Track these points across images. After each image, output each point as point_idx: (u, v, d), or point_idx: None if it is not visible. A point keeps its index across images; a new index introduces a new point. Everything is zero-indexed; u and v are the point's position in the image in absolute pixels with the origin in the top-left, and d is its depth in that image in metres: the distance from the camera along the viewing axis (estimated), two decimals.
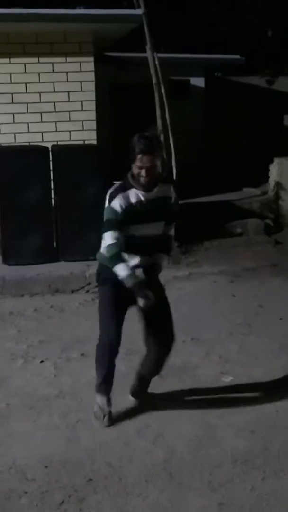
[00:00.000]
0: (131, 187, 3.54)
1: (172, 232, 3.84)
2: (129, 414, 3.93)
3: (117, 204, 3.52)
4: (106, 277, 3.72)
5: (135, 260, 3.67)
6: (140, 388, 4.07)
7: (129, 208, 3.53)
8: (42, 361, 4.94)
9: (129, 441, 3.67)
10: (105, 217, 3.57)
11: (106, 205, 3.58)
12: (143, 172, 3.46)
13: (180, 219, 3.80)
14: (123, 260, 3.59)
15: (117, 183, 3.61)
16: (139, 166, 3.45)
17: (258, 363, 4.75)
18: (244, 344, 5.11)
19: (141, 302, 3.59)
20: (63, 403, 4.22)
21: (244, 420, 3.87)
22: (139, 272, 3.63)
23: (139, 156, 3.43)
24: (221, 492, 3.19)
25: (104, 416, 3.80)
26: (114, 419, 3.88)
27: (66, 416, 4.04)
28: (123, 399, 4.01)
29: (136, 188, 3.54)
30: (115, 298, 3.72)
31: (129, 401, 4.02)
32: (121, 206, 3.51)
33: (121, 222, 3.56)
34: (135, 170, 3.50)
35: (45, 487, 3.29)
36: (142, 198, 3.56)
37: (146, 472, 3.39)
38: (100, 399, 3.85)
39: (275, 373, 4.56)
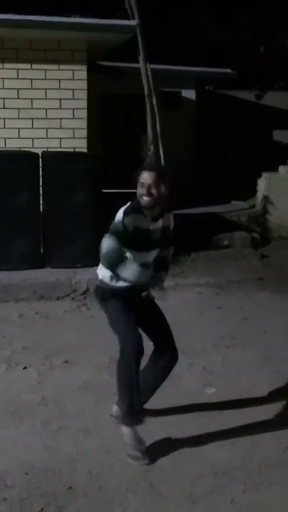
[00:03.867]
0: (142, 213, 3.53)
1: (170, 254, 3.84)
2: (111, 423, 3.88)
3: (129, 223, 3.48)
4: (108, 293, 3.65)
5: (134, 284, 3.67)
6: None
7: (138, 231, 3.50)
8: (25, 368, 4.92)
9: (111, 450, 3.65)
10: (113, 229, 3.50)
11: (118, 219, 3.51)
12: (143, 190, 3.45)
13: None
14: (123, 262, 3.52)
15: (130, 205, 3.57)
16: (141, 184, 3.46)
17: (242, 376, 4.75)
18: (228, 356, 5.11)
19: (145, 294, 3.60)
20: (46, 410, 4.20)
21: (226, 432, 3.86)
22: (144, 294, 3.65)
23: (141, 173, 3.47)
24: (201, 503, 3.18)
25: (142, 454, 3.52)
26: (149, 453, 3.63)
27: (49, 423, 4.01)
28: (105, 406, 3.96)
29: (144, 215, 3.53)
30: (125, 308, 3.66)
31: (113, 410, 3.96)
32: (132, 226, 3.47)
33: (125, 243, 3.51)
34: (138, 189, 3.50)
35: (24, 494, 3.26)
36: (149, 228, 3.55)
37: (127, 482, 3.37)
38: (131, 433, 3.55)
39: (258, 386, 4.57)
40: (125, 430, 3.57)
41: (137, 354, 3.58)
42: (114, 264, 3.52)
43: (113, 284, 3.65)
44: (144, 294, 3.68)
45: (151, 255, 3.70)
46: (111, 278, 3.65)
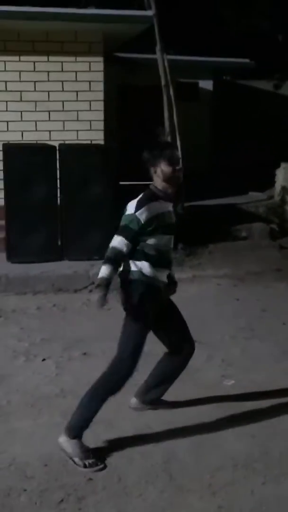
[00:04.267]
0: (158, 198, 3.47)
1: None
2: (129, 415, 3.91)
3: (142, 214, 3.40)
4: (147, 292, 3.46)
5: (165, 274, 3.58)
6: (156, 397, 3.95)
7: (160, 217, 3.45)
8: (44, 360, 4.96)
9: (130, 442, 3.68)
10: (123, 223, 3.42)
11: (129, 212, 3.43)
12: (177, 178, 3.43)
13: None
14: (115, 263, 3.43)
15: (142, 194, 3.50)
16: (169, 160, 3.39)
17: (261, 367, 4.75)
18: (246, 348, 5.11)
19: (97, 299, 3.41)
20: (64, 402, 4.22)
21: (245, 424, 3.87)
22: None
23: (166, 151, 3.40)
24: (220, 495, 3.19)
25: (96, 460, 3.43)
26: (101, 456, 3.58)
27: (67, 414, 4.00)
28: (124, 398, 3.95)
29: (163, 199, 3.49)
30: (148, 326, 3.54)
31: (132, 403, 3.98)
32: (146, 216, 3.40)
33: (145, 234, 3.43)
34: (166, 168, 3.42)
35: (44, 485, 3.30)
36: (168, 209, 3.53)
37: (146, 473, 3.39)
38: (77, 443, 3.44)
39: (277, 377, 4.57)
40: (70, 440, 3.43)
41: (131, 375, 3.53)
42: (110, 259, 3.35)
43: (153, 275, 3.48)
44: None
45: (172, 240, 3.62)
46: (156, 270, 3.48)
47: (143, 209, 3.40)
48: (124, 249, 3.40)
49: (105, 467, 3.43)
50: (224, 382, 4.43)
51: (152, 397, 3.95)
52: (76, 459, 3.43)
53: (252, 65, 12.92)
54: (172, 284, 3.73)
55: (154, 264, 3.51)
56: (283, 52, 13.82)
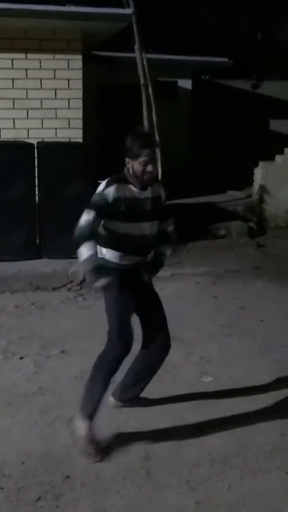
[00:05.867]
0: (128, 183, 3.48)
1: (170, 227, 3.76)
2: (108, 411, 3.92)
3: (110, 192, 3.42)
4: (110, 273, 3.49)
5: (133, 260, 3.59)
6: (134, 395, 3.96)
7: (123, 201, 3.45)
8: (21, 358, 4.95)
9: (108, 439, 3.68)
10: (91, 201, 3.45)
11: (97, 191, 3.47)
12: (149, 167, 3.41)
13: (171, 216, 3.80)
14: (89, 240, 3.46)
15: (114, 176, 3.51)
16: (144, 161, 3.40)
17: (239, 364, 4.81)
18: (225, 345, 5.15)
19: (96, 283, 3.49)
20: (42, 400, 4.22)
21: (223, 420, 3.90)
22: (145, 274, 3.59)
23: (144, 151, 3.39)
24: (198, 490, 3.22)
25: (95, 451, 3.50)
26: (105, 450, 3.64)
27: (45, 412, 4.04)
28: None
29: (133, 185, 3.49)
30: (125, 296, 3.57)
31: (110, 401, 3.97)
32: (113, 196, 3.41)
33: (110, 215, 3.46)
34: (138, 167, 3.43)
35: (21, 483, 3.28)
36: (138, 196, 3.51)
37: (124, 470, 3.40)
38: (87, 427, 3.51)
39: (255, 374, 4.62)
40: (82, 423, 3.51)
41: (123, 352, 3.56)
42: (82, 238, 3.38)
43: (116, 261, 3.55)
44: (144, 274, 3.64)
45: (146, 227, 3.59)
46: (119, 256, 3.55)
47: (108, 188, 3.40)
48: (91, 225, 3.39)
49: (101, 459, 3.41)
50: (202, 379, 4.46)
51: (130, 396, 3.96)
52: (80, 441, 3.46)
53: (230, 64, 13.01)
54: (151, 268, 3.68)
55: (118, 250, 3.50)
56: (261, 52, 14.03)
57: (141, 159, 3.39)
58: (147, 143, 3.44)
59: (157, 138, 8.43)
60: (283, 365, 4.82)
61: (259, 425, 3.86)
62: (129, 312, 3.64)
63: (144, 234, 3.59)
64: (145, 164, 3.41)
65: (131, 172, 3.49)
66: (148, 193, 3.56)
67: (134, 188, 3.50)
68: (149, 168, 3.42)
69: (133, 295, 3.60)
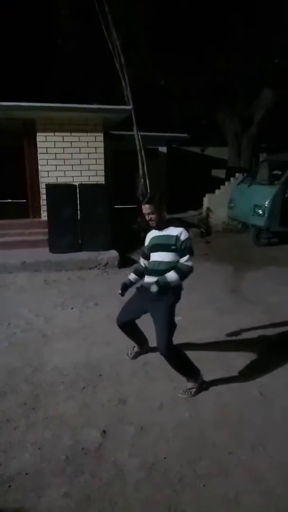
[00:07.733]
0: (152, 228, 3.42)
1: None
2: (123, 337, 4.39)
3: (146, 238, 3.59)
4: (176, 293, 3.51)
5: (150, 278, 3.53)
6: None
7: (149, 240, 3.48)
8: (72, 308, 5.56)
9: (123, 354, 4.17)
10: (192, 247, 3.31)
11: (189, 236, 3.50)
12: (147, 217, 3.40)
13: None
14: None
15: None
16: (144, 214, 3.45)
17: (196, 309, 5.46)
18: (188, 297, 5.53)
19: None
20: (84, 332, 4.72)
21: (189, 342, 4.23)
22: (154, 287, 3.39)
23: (143, 210, 3.42)
24: (176, 380, 3.67)
25: (196, 392, 3.61)
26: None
27: (86, 339, 4.55)
28: (118, 328, 4.15)
29: (154, 228, 3.44)
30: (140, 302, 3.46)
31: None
32: (146, 240, 3.59)
33: (146, 249, 3.47)
34: (145, 218, 3.40)
35: (74, 379, 3.74)
36: (154, 235, 3.53)
37: (132, 371, 3.85)
38: (196, 379, 3.78)
39: (205, 314, 5.30)
40: (190, 379, 3.52)
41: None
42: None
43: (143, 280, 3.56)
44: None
45: (158, 256, 3.68)
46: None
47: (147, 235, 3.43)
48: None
49: (196, 394, 3.57)
50: (175, 318, 4.45)
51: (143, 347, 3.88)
52: (190, 383, 3.56)
53: (188, 138, 15.55)
54: (163, 282, 3.44)
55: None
56: (205, 130, 17.45)
57: (143, 211, 3.49)
58: (142, 201, 3.46)
59: (147, 182, 10.02)
60: (222, 309, 5.47)
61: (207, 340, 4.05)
62: (130, 306, 3.81)
63: (155, 260, 3.82)
64: (145, 216, 3.48)
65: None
66: (162, 232, 3.60)
67: (154, 230, 3.72)
68: (147, 217, 3.42)
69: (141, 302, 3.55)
